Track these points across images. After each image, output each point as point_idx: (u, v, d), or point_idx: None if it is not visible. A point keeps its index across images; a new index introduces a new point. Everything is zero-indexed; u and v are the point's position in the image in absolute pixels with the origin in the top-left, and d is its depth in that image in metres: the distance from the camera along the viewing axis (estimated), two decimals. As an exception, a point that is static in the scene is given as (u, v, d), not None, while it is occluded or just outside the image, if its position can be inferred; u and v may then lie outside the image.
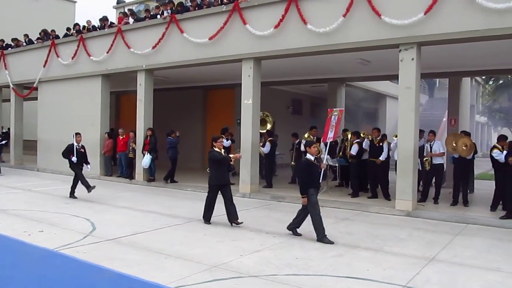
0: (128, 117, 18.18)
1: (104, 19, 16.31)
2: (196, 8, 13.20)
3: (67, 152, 11.64)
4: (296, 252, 6.55)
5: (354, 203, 10.67)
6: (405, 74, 9.77)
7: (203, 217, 8.54)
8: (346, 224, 8.78)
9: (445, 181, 13.77)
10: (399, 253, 6.59)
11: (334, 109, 8.27)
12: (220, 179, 8.43)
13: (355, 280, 5.33)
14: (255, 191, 12.09)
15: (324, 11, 10.61)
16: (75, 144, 11.58)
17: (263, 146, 13.37)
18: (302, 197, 7.41)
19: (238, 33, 12.02)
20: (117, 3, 29.70)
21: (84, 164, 11.80)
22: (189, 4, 13.84)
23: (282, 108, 20.21)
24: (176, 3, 14.18)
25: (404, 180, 9.70)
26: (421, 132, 11.53)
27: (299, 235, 7.51)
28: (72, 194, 11.36)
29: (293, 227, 7.62)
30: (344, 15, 10.15)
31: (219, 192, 8.46)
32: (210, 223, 8.38)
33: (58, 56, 17.19)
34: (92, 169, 16.01)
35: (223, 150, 8.67)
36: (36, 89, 18.71)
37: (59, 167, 17.16)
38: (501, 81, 31.43)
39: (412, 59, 9.60)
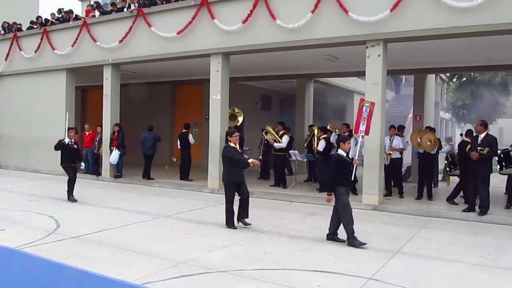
0: (94, 113, 17.82)
1: (69, 12, 15.91)
2: (164, 2, 13.02)
3: (58, 149, 10.63)
4: (264, 247, 6.57)
5: (322, 198, 10.68)
6: (371, 70, 9.91)
7: (227, 223, 7.73)
8: (314, 218, 8.86)
9: (410, 175, 14.10)
10: (366, 246, 6.68)
11: (365, 99, 8.15)
12: (236, 177, 7.75)
13: (322, 274, 5.38)
14: (222, 187, 12.01)
15: (292, 6, 10.64)
16: (67, 140, 10.52)
17: None
18: (328, 195, 6.83)
19: (207, 28, 11.93)
20: (83, -4, 29.05)
21: (77, 162, 10.82)
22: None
23: (251, 104, 20.18)
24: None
25: (370, 175, 9.85)
26: (402, 128, 11.70)
27: (343, 241, 6.77)
28: (68, 195, 10.33)
29: (333, 234, 6.96)
30: (313, 11, 10.20)
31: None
32: (236, 228, 7.64)
33: (20, 49, 16.68)
34: (57, 166, 15.70)
35: (238, 146, 7.98)
36: (-3, 83, 18.10)
37: (22, 163, 16.76)
38: (464, 79, 32.24)
39: (379, 55, 9.74)
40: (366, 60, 9.91)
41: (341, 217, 6.77)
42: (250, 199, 10.29)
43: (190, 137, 13.67)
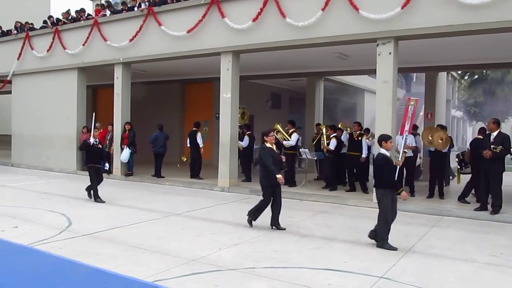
0: (105, 111, 17.93)
1: (81, 11, 16.03)
2: (174, 1, 13.05)
3: (83, 149, 10.46)
4: (274, 245, 6.56)
5: (332, 196, 10.75)
6: (382, 68, 9.85)
7: (251, 215, 7.66)
8: (324, 216, 8.84)
9: (421, 174, 14.01)
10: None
11: (411, 98, 8.08)
12: (271, 180, 7.43)
13: (333, 272, 5.36)
14: (234, 185, 12.07)
15: (302, 4, 10.62)
16: (92, 140, 10.18)
17: (241, 140, 13.31)
18: (399, 193, 6.59)
19: (217, 26, 11.94)
20: (94, -5, 29.24)
21: (101, 163, 10.55)
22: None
23: (261, 102, 20.20)
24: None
25: (381, 173, 9.78)
26: (415, 127, 11.56)
27: (395, 249, 6.41)
28: (95, 197, 9.99)
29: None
30: (323, 9, 10.17)
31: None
32: (251, 225, 7.62)
33: (32, 49, 16.83)
34: (68, 164, 15.88)
35: (274, 146, 7.76)
36: (10, 82, 18.28)
37: (34, 162, 16.92)
38: (476, 76, 31.98)
39: (390, 53, 9.68)
40: (377, 58, 9.86)
41: (380, 217, 6.63)
42: (260, 197, 10.30)
43: (198, 136, 13.66)
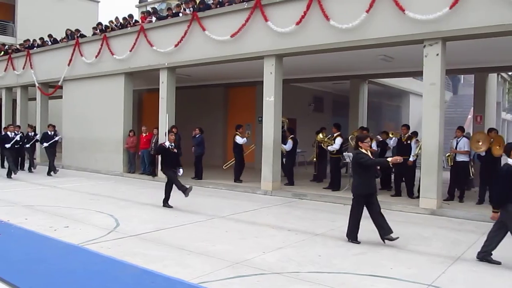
0: (151, 115, 18.38)
1: (129, 17, 16.53)
2: (218, 6, 13.22)
3: (159, 153, 10.40)
4: (318, 249, 6.51)
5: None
6: (429, 70, 9.60)
7: (349, 235, 7.04)
8: (368, 222, 8.61)
9: (472, 180, 13.52)
10: (424, 251, 6.48)
11: None
12: (368, 187, 6.94)
13: (379, 278, 5.26)
14: (277, 189, 12.06)
15: (346, 7, 10.50)
16: (167, 143, 9.92)
17: (285, 143, 13.29)
18: (494, 212, 5.95)
19: (260, 30, 11.99)
20: (140, 2, 30.00)
21: (176, 168, 10.06)
22: (210, 1, 13.88)
23: (303, 106, 20.13)
24: (197, 1, 14.25)
25: (428, 178, 9.54)
26: (461, 129, 11.13)
27: (498, 263, 5.89)
28: (166, 202, 9.84)
29: (486, 253, 6.00)
30: (367, 11, 10.03)
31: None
32: (359, 242, 6.92)
33: (82, 55, 17.45)
34: (115, 167, 16.34)
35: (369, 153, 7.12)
36: (60, 87, 19.03)
37: (84, 164, 17.50)
38: (528, 78, 30.60)
39: (437, 54, 9.43)
40: (424, 59, 9.62)
41: None
42: (303, 201, 10.25)
43: (237, 137, 13.77)
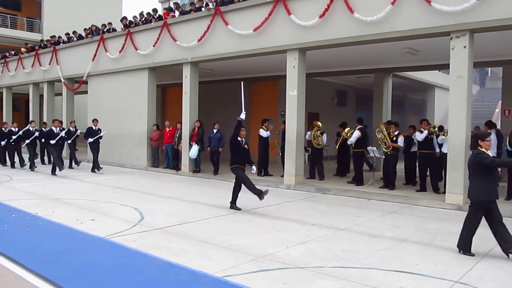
0: (174, 109, 18.49)
1: (153, 11, 16.66)
2: (241, 0, 13.19)
3: (234, 148, 9.15)
4: (342, 244, 6.46)
5: (401, 196, 10.41)
6: (456, 62, 9.40)
7: (461, 246, 6.13)
8: (393, 217, 8.58)
9: (501, 176, 13.22)
10: (450, 248, 6.36)
11: None
12: (492, 193, 5.99)
13: (405, 274, 5.18)
14: (300, 183, 12.02)
15: (371, -1, 10.36)
16: (239, 139, 9.09)
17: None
18: None
19: (283, 23, 11.93)
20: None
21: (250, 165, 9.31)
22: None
23: (326, 100, 19.98)
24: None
25: (455, 173, 9.36)
26: (489, 123, 10.85)
27: None
28: (233, 204, 9.05)
29: None
30: (393, 3, 9.86)
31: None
32: (473, 255, 6.00)
33: (106, 51, 17.66)
34: (139, 161, 16.53)
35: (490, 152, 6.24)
36: (85, 82, 19.32)
37: (108, 158, 17.73)
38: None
39: (464, 47, 9.22)
40: (450, 52, 9.41)
41: None
42: (326, 195, 10.19)
43: (261, 131, 13.76)
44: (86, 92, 19.78)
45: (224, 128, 14.76)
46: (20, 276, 4.90)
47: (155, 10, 16.78)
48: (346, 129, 13.14)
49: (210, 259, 5.63)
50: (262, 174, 13.61)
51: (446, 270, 5.36)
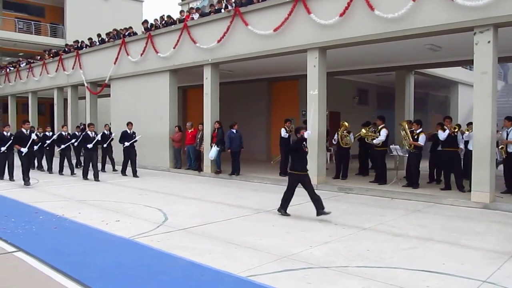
0: (195, 111, 18.62)
1: (180, 12, 16.79)
2: (260, 0, 13.20)
3: (293, 150, 8.56)
4: (366, 244, 6.41)
5: (425, 195, 10.28)
6: (480, 58, 9.23)
7: None
8: (417, 216, 8.48)
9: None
10: (477, 247, 6.27)
11: None
12: None
13: (431, 274, 5.12)
14: (322, 182, 11.97)
15: (391, -4, 10.25)
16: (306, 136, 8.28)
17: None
18: None
19: (303, 23, 11.89)
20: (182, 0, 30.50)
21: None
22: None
23: (347, 99, 19.84)
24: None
25: (480, 171, 9.20)
26: (509, 118, 10.57)
27: None
28: (284, 210, 8.37)
29: None
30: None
31: None
32: None
33: (128, 54, 17.88)
34: (162, 162, 16.68)
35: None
36: (107, 86, 19.60)
37: (131, 160, 17.92)
38: None
39: (488, 42, 9.05)
40: (474, 47, 9.25)
41: None
42: (349, 195, 10.10)
43: (282, 131, 13.73)
44: (108, 95, 20.06)
45: (243, 128, 14.74)
46: (49, 276, 5.01)
47: (181, 12, 16.84)
48: (363, 130, 12.96)
49: (234, 259, 5.65)
50: (284, 174, 13.58)
51: (473, 269, 5.27)
